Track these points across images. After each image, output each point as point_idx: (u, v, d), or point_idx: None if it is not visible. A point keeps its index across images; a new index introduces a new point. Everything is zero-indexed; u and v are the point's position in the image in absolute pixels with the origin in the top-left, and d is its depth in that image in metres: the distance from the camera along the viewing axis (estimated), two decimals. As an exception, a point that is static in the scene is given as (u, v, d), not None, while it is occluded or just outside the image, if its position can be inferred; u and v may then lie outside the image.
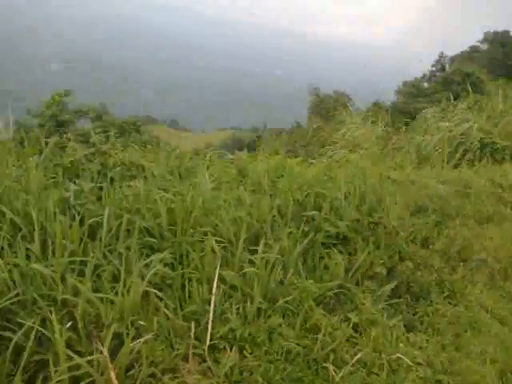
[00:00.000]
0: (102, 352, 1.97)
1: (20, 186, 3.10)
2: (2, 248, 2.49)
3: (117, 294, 2.32)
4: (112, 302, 2.28)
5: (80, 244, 2.72)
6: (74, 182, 3.53)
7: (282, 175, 4.53)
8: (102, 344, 2.02)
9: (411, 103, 22.23)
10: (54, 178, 3.62)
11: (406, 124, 11.90)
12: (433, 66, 36.10)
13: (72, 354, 1.91)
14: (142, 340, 2.13)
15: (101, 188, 3.52)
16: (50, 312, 2.14)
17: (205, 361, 2.30)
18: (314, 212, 3.53)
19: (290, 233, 3.29)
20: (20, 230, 2.68)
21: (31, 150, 4.93)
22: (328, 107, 19.74)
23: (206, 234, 3.08)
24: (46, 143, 5.33)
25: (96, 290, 2.36)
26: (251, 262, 2.86)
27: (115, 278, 2.51)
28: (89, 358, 1.93)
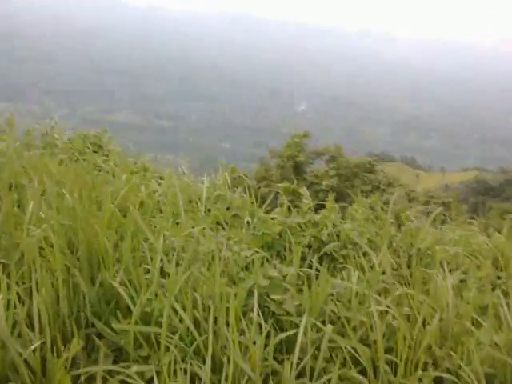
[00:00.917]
0: None
1: (208, 270, 2.60)
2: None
3: None
4: None
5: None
6: (274, 265, 2.91)
7: None
8: None
9: None
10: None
11: None
12: None
13: None
14: None
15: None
16: None
17: None
18: None
19: None
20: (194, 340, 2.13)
21: (248, 207, 4.65)
22: None
23: None
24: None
25: None
26: None
27: None
28: None
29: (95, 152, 7.10)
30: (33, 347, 1.88)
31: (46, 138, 7.11)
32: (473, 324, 2.41)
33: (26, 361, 1.89)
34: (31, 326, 2.02)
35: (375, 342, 2.25)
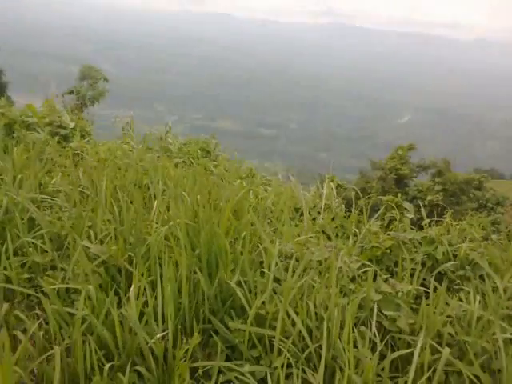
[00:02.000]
0: None
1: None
2: None
3: None
4: None
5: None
6: (386, 279, 2.82)
7: None
8: None
9: None
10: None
11: None
12: None
13: None
14: None
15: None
16: None
17: None
18: None
19: None
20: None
21: (354, 217, 4.58)
22: None
23: None
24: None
25: None
26: None
27: None
28: None
29: (205, 157, 7.47)
30: (158, 336, 2.01)
31: (161, 142, 7.62)
32: None
33: (150, 348, 2.03)
34: (154, 316, 2.17)
35: (499, 371, 2.10)
